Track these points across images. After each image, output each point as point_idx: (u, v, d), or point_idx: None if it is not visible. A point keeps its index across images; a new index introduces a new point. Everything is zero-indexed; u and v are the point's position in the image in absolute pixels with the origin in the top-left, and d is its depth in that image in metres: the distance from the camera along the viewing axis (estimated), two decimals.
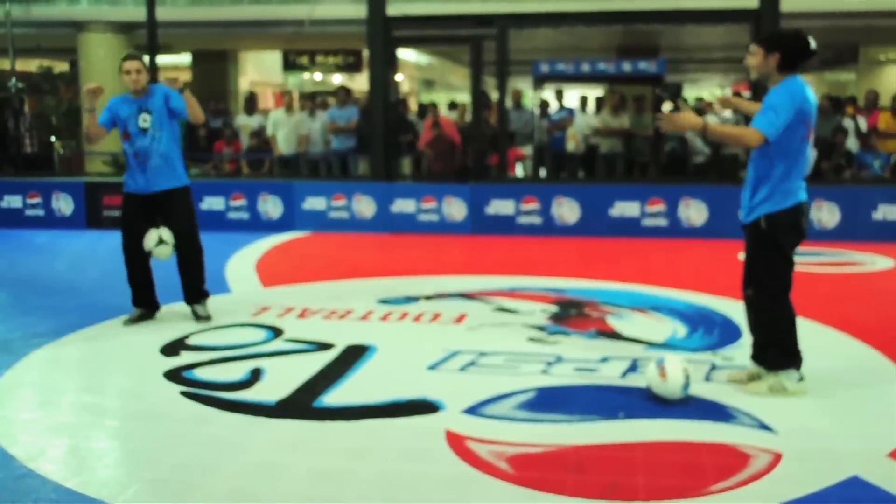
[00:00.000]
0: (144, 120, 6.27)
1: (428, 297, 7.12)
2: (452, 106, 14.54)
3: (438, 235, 10.66)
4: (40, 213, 11.81)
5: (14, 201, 11.90)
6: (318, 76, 23.48)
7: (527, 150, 13.10)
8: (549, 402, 4.57)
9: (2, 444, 4.09)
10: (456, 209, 10.85)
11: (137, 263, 6.38)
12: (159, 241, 6.27)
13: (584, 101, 13.55)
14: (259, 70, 24.42)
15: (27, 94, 16.70)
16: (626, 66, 11.98)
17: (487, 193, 10.82)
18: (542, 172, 12.56)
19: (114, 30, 17.99)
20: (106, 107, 6.29)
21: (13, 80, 14.09)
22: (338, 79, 22.86)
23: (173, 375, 5.09)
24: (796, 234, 4.58)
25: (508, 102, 12.17)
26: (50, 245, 10.58)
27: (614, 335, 5.91)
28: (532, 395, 4.66)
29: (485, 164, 11.67)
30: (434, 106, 13.06)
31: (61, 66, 20.43)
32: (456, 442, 4.04)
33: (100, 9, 17.67)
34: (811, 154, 7.54)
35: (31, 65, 20.47)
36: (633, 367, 5.14)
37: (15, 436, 4.21)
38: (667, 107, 5.33)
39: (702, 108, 13.64)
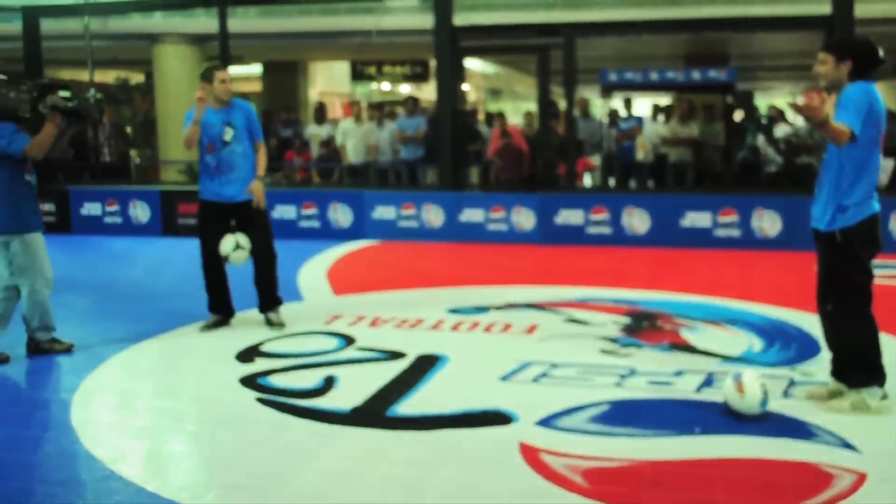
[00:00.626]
0: (228, 133, 6.37)
1: (498, 308, 7.08)
2: (526, 115, 14.45)
3: (507, 245, 10.62)
4: (118, 220, 12.10)
5: (94, 209, 12.21)
6: (385, 86, 23.65)
7: (595, 160, 13.00)
8: (624, 415, 4.50)
9: (85, 446, 4.19)
10: (524, 219, 10.80)
11: (214, 269, 6.49)
12: (236, 247, 6.36)
13: (658, 109, 13.34)
14: (328, 80, 24.70)
15: (105, 105, 17.12)
16: (696, 75, 11.80)
17: (556, 203, 10.75)
18: (612, 182, 12.45)
19: (187, 41, 18.37)
20: (189, 115, 6.36)
21: (92, 91, 14.44)
22: (405, 89, 23.01)
23: (249, 382, 5.15)
24: (873, 246, 4.46)
25: (576, 111, 12.09)
26: (127, 252, 10.82)
27: (688, 348, 5.81)
28: (606, 408, 4.61)
29: (553, 173, 11.60)
30: (502, 115, 13.03)
31: (137, 78, 20.92)
32: (530, 454, 4.01)
33: (173, 21, 18.06)
34: (884, 163, 7.34)
35: (108, 76, 21.01)
36: (709, 382, 5.04)
37: (97, 438, 4.31)
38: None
39: (773, 116, 13.39)
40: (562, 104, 12.16)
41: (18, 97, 5.72)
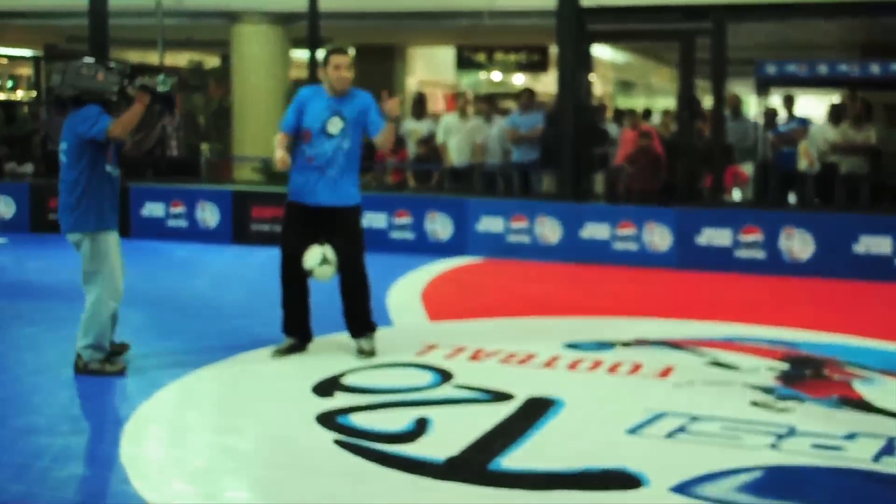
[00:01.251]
0: (335, 124, 6.38)
1: (625, 344, 6.97)
2: (646, 114, 14.20)
3: (637, 268, 10.43)
4: (183, 223, 12.36)
5: (156, 210, 12.51)
6: (497, 76, 23.65)
7: (748, 169, 12.67)
8: (782, 485, 4.32)
9: (135, 487, 4.21)
10: (659, 237, 10.59)
11: (295, 285, 6.50)
12: (323, 260, 6.33)
13: (830, 110, 12.86)
14: (429, 68, 24.87)
15: (175, 91, 17.60)
16: (874, 69, 11.42)
17: (698, 220, 10.51)
18: (768, 196, 12.12)
19: (270, 21, 18.72)
20: (296, 100, 6.43)
21: (162, 75, 14.84)
22: (520, 79, 22.98)
23: (327, 420, 5.12)
24: None
25: (725, 110, 11.83)
26: (192, 260, 11.03)
27: (863, 405, 5.57)
28: (759, 476, 4.42)
29: (695, 184, 11.37)
30: (635, 113, 12.86)
31: (212, 61, 21.46)
32: None
33: None
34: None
35: (180, 59, 21.63)
36: (890, 449, 4.79)
37: (149, 478, 4.33)
38: None
39: None
40: (707, 101, 11.92)
41: (107, 79, 5.98)
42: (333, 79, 6.36)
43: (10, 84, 21.37)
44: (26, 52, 20.04)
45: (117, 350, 6.31)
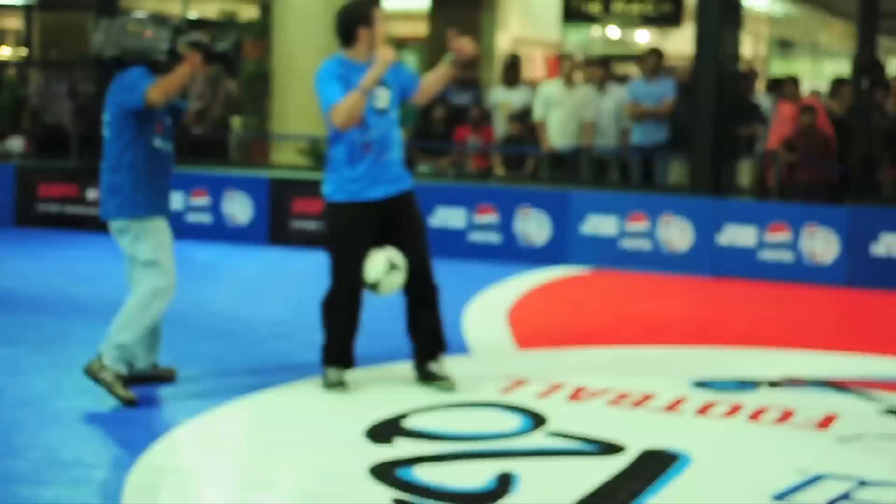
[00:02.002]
0: (382, 97, 6.48)
1: (773, 383, 6.95)
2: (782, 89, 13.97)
3: (791, 284, 10.34)
4: (206, 218, 12.58)
5: (173, 201, 12.61)
6: (613, 32, 23.60)
7: None
8: None
9: None
10: (823, 245, 10.50)
11: (352, 305, 6.60)
12: (391, 267, 6.44)
13: None
14: (526, 22, 24.90)
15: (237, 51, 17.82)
16: None
17: (876, 222, 10.42)
18: None
19: None
20: (332, 74, 6.44)
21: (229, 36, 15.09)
22: (644, 37, 22.89)
23: (383, 473, 5.18)
24: None
25: None
26: (217, 266, 11.21)
27: None
28: None
29: (874, 175, 11.24)
30: (795, 81, 12.74)
31: (248, 12, 21.75)
32: None
33: None
34: None
35: (208, 9, 21.96)
36: None
37: None
38: None
39: None
40: (894, 66, 11.77)
41: (156, 36, 6.24)
42: (381, 37, 6.46)
43: None
44: (15, 0, 20.50)
45: (161, 375, 6.61)
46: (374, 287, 6.49)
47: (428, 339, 6.69)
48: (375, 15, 6.50)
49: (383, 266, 6.45)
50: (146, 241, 6.30)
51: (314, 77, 6.52)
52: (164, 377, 6.63)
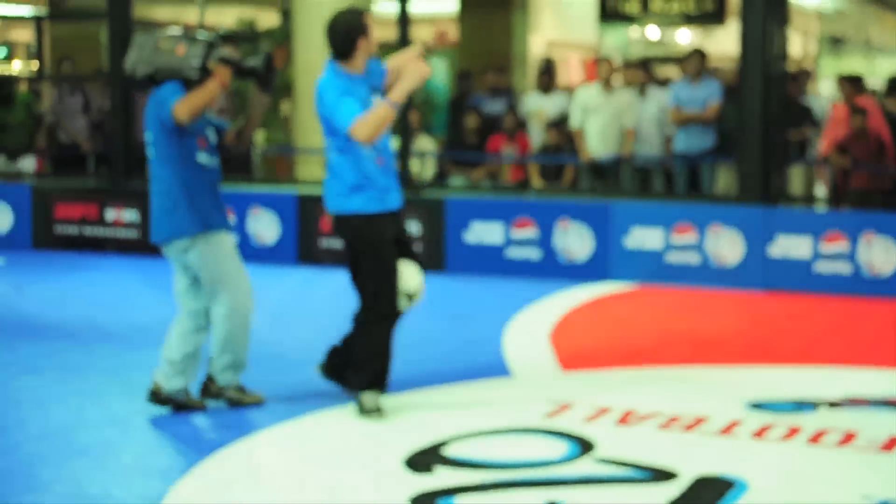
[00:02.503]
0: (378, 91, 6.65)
1: (833, 404, 6.93)
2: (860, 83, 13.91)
3: (849, 297, 10.32)
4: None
5: None
6: (653, 32, 23.61)
7: None
8: None
9: None
10: (882, 255, 10.48)
11: (392, 321, 6.70)
12: (423, 278, 6.71)
13: None
14: (560, 23, 24.95)
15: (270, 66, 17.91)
16: None
17: None
18: None
19: None
20: (341, 90, 6.51)
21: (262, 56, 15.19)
22: (686, 37, 22.89)
23: (424, 503, 5.23)
24: None
25: None
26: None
27: None
28: None
29: None
30: (855, 80, 12.72)
31: (268, 19, 21.88)
32: None
33: None
34: None
35: (226, 16, 22.10)
36: None
37: None
38: None
39: None
40: None
41: (189, 52, 6.46)
42: (369, 49, 6.61)
43: (2, 53, 21.87)
44: (24, 11, 20.63)
45: (193, 404, 6.81)
46: (411, 298, 6.67)
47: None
48: (370, 24, 6.62)
49: (420, 277, 6.69)
50: (213, 255, 6.57)
51: (317, 94, 6.61)
52: (249, 401, 6.91)
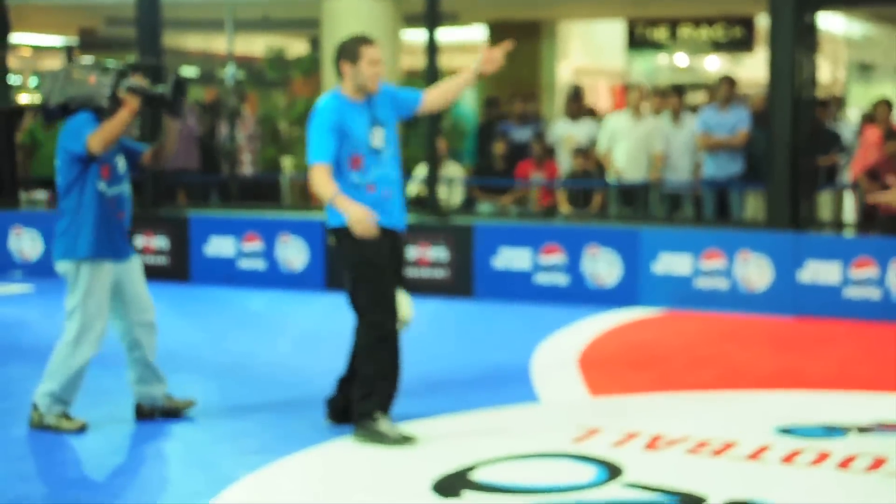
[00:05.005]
0: (377, 136, 6.65)
1: (863, 429, 6.90)
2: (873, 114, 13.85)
3: (881, 323, 10.28)
4: (259, 264, 12.68)
5: (224, 247, 12.85)
6: (681, 60, 23.65)
7: None
8: None
9: None
10: None
11: (394, 341, 6.71)
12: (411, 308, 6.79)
13: None
14: (589, 50, 25.01)
15: (249, 89, 18.04)
16: None
17: None
18: None
19: None
20: (328, 123, 6.56)
21: (230, 66, 15.30)
22: (714, 64, 22.91)
23: None
24: None
25: None
26: (271, 314, 11.30)
27: None
28: None
29: None
30: (887, 105, 12.72)
31: (297, 48, 22.00)
32: None
33: None
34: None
35: (255, 45, 22.21)
36: None
37: None
38: None
39: None
40: None
41: (99, 82, 6.70)
42: (369, 77, 6.61)
43: (36, 82, 22.07)
44: (56, 41, 20.76)
45: (177, 407, 7.11)
46: (405, 325, 6.76)
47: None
48: (362, 52, 6.62)
49: (409, 304, 6.78)
50: (81, 284, 6.75)
51: (314, 109, 6.70)
52: (182, 407, 7.14)
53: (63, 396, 6.83)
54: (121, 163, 6.89)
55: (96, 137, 6.57)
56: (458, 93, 7.02)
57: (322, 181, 6.49)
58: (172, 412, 7.12)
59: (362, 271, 6.66)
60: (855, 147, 12.83)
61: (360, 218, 6.35)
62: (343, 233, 6.61)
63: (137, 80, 6.76)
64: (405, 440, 6.55)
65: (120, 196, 6.88)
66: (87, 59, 7.07)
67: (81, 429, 6.82)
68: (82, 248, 6.72)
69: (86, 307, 6.74)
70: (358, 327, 6.74)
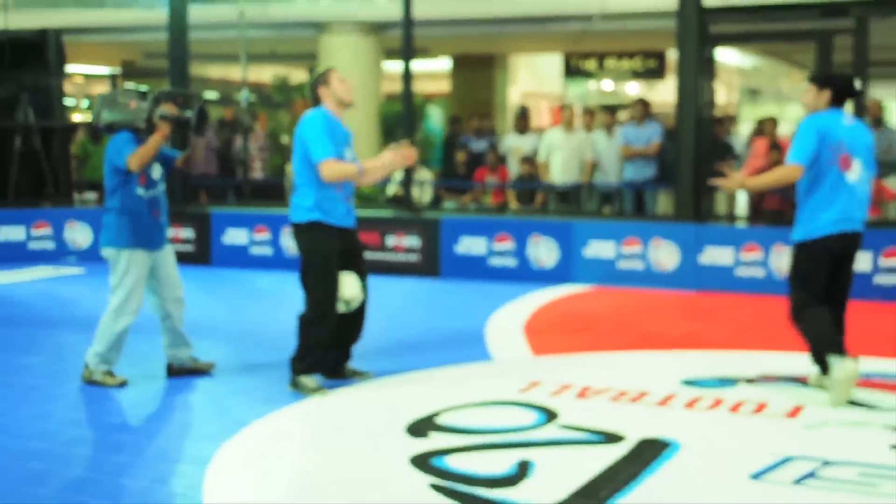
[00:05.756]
0: (348, 152, 6.69)
1: (750, 380, 6.94)
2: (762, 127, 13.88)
3: (764, 296, 10.33)
4: (268, 251, 12.67)
5: (238, 236, 12.84)
6: (608, 85, 23.68)
7: (893, 185, 12.44)
8: None
9: None
10: (789, 262, 10.46)
11: (332, 318, 6.72)
12: (361, 287, 6.76)
13: None
14: (534, 78, 25.03)
15: (260, 109, 17.99)
16: None
17: None
18: None
19: (361, 31, 19.13)
20: (326, 130, 6.54)
21: (244, 91, 15.26)
22: (633, 89, 22.95)
23: (421, 462, 5.23)
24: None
25: (866, 119, 11.64)
26: (277, 290, 11.29)
27: None
28: None
29: None
30: (772, 122, 12.78)
31: (298, 75, 21.95)
32: None
33: (346, 6, 18.84)
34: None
35: (264, 74, 22.14)
36: None
37: None
38: None
39: None
40: (846, 108, 11.74)
41: (138, 107, 6.79)
42: (342, 92, 6.66)
43: (86, 104, 22.04)
44: (103, 70, 20.68)
45: (200, 367, 7.18)
46: (349, 303, 6.72)
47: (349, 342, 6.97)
48: (330, 75, 6.68)
49: (357, 285, 6.71)
50: (118, 268, 6.82)
51: (300, 122, 6.64)
52: (204, 367, 7.21)
53: (108, 357, 6.87)
54: (156, 170, 6.92)
55: (135, 159, 6.65)
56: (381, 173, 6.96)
57: (338, 168, 6.48)
58: (197, 371, 7.17)
59: (312, 259, 6.65)
60: (745, 156, 12.87)
61: (395, 160, 6.71)
62: (300, 228, 6.66)
63: (169, 108, 6.81)
64: (318, 391, 6.59)
65: (155, 198, 6.92)
66: (129, 86, 7.15)
67: (122, 384, 6.84)
68: (122, 240, 6.77)
69: (125, 285, 6.79)
70: (305, 303, 6.72)
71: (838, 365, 6.25)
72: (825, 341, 6.46)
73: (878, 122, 12.52)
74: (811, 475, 5.02)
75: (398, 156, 6.72)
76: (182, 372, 7.13)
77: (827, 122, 6.56)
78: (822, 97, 6.66)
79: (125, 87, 7.11)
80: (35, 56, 13.97)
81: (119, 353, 6.93)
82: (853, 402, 6.34)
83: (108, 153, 6.82)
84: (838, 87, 6.71)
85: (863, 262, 9.93)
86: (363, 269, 6.86)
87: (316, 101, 6.72)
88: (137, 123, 6.77)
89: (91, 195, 15.35)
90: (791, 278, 6.78)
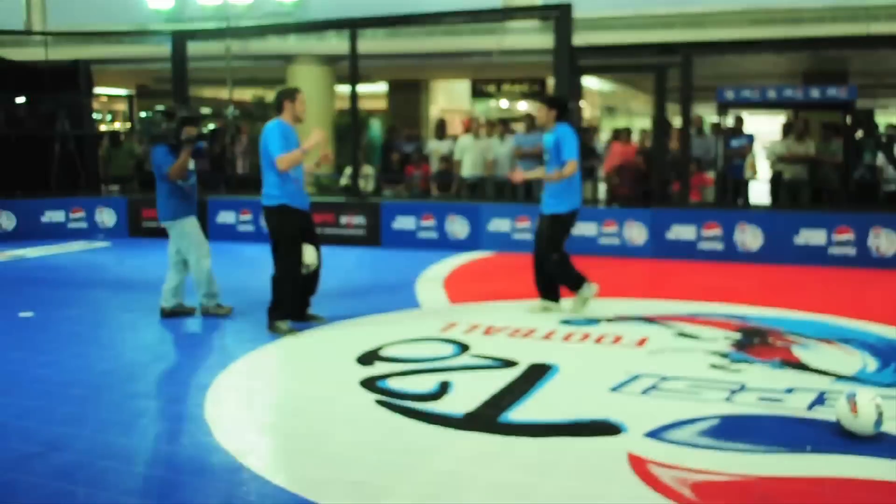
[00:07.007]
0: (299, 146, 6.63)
1: (609, 320, 7.00)
2: (618, 135, 14.00)
3: (618, 258, 10.47)
4: (251, 228, 12.50)
5: (228, 217, 12.65)
6: (504, 103, 23.70)
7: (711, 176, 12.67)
8: (733, 430, 4.38)
9: (218, 440, 4.34)
10: (637, 233, 10.63)
11: (298, 278, 6.68)
12: (316, 256, 6.74)
13: (784, 128, 12.66)
14: (449, 98, 24.94)
15: (242, 121, 17.73)
16: (815, 93, 11.34)
17: (669, 218, 10.54)
18: (726, 198, 12.10)
19: (319, 62, 18.92)
20: (282, 135, 6.46)
21: (230, 108, 15.04)
22: (523, 106, 23.00)
23: (369, 384, 5.23)
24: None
25: (691, 129, 11.81)
26: (259, 259, 11.11)
27: (800, 366, 5.59)
28: (715, 423, 4.48)
29: (667, 189, 11.37)
30: (629, 131, 12.94)
31: (272, 96, 21.62)
32: (638, 465, 3.94)
33: (307, 43, 18.60)
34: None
35: (246, 94, 21.76)
36: (821, 400, 4.84)
37: (227, 431, 4.46)
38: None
39: (892, 134, 12.78)
40: (677, 122, 11.91)
41: (169, 127, 6.96)
42: (300, 110, 6.58)
43: (109, 118, 21.64)
44: (122, 92, 20.25)
45: (221, 311, 7.24)
46: (308, 268, 6.67)
47: (309, 295, 6.92)
48: (297, 95, 6.58)
49: (315, 254, 6.69)
50: (180, 231, 7.05)
51: (264, 130, 6.54)
52: (189, 311, 7.25)
53: (211, 292, 7.12)
54: (190, 164, 7.06)
55: (174, 172, 6.89)
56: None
57: (287, 157, 6.39)
58: (183, 313, 7.22)
59: (283, 235, 6.58)
60: (604, 156, 12.98)
61: (317, 140, 6.52)
62: (271, 210, 6.57)
63: (190, 131, 6.96)
64: (290, 332, 6.53)
65: (193, 184, 7.13)
66: (158, 108, 7.26)
67: (229, 313, 7.13)
68: (171, 212, 7.03)
69: (190, 240, 7.02)
70: (277, 267, 6.64)
71: (587, 287, 7.13)
72: (576, 277, 7.19)
73: (699, 131, 12.73)
74: (654, 387, 5.12)
75: (317, 134, 6.56)
76: (208, 313, 7.21)
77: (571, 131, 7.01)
78: (552, 114, 6.98)
79: (157, 110, 7.23)
80: (70, 81, 13.68)
81: (216, 287, 7.13)
82: (683, 334, 6.47)
83: (155, 160, 7.01)
84: (561, 106, 7.06)
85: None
86: (317, 242, 6.80)
87: (279, 108, 6.57)
88: (170, 140, 6.96)
89: (115, 187, 15.06)
90: (550, 239, 7.18)
